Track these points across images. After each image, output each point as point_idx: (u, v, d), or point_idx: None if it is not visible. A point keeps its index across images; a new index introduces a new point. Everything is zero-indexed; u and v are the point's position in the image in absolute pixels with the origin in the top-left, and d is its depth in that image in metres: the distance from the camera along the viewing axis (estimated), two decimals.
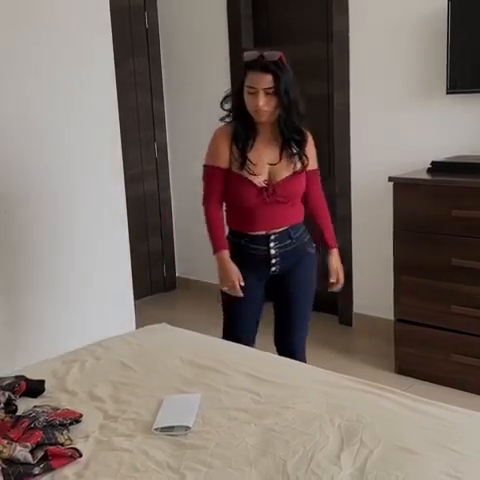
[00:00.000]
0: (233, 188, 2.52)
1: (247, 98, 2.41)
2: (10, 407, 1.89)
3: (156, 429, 1.75)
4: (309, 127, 2.57)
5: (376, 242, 3.73)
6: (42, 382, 2.04)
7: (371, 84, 3.70)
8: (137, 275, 3.69)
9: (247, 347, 2.38)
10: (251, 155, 2.47)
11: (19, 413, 1.84)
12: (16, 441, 1.63)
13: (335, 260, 2.70)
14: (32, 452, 1.60)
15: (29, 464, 1.57)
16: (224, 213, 2.61)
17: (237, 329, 2.65)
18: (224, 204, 2.61)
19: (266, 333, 2.76)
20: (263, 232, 2.53)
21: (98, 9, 3.05)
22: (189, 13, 4.56)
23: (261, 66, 2.35)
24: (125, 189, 3.30)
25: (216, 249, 2.55)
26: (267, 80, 2.35)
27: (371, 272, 3.83)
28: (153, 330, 2.56)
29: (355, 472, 1.52)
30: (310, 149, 2.57)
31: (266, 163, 2.49)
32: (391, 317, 3.38)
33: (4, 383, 1.98)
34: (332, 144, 3.93)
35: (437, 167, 3.21)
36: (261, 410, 1.83)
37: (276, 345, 2.73)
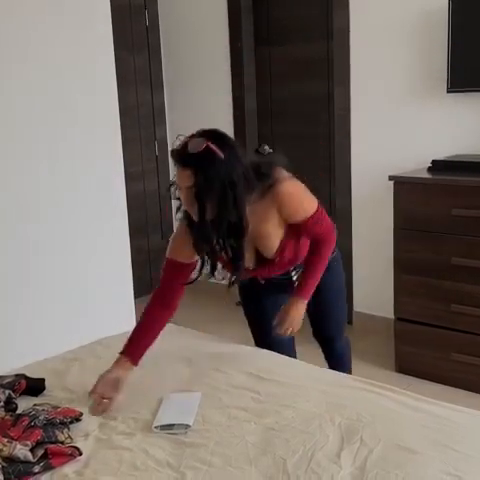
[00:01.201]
0: None
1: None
2: (10, 405, 1.89)
3: (156, 427, 1.76)
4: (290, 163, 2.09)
5: (376, 241, 3.73)
6: (42, 380, 2.04)
7: (371, 82, 3.69)
8: (137, 273, 3.69)
9: (246, 346, 2.37)
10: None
11: (19, 411, 1.84)
12: (16, 439, 1.63)
13: (291, 306, 2.21)
14: (32, 450, 1.61)
15: (29, 462, 1.58)
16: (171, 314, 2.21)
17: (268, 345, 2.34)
18: None
19: None
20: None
21: (98, 5, 3.04)
22: (189, 10, 4.55)
23: (181, 159, 1.88)
24: (125, 187, 3.29)
25: (122, 350, 2.04)
26: (186, 177, 1.85)
27: (371, 270, 3.83)
28: None
29: (355, 471, 1.52)
30: (286, 204, 2.03)
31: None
32: (391, 316, 3.37)
33: (4, 381, 1.98)
34: (333, 142, 3.93)
35: (437, 166, 3.21)
36: (261, 409, 1.83)
37: (315, 337, 2.60)
